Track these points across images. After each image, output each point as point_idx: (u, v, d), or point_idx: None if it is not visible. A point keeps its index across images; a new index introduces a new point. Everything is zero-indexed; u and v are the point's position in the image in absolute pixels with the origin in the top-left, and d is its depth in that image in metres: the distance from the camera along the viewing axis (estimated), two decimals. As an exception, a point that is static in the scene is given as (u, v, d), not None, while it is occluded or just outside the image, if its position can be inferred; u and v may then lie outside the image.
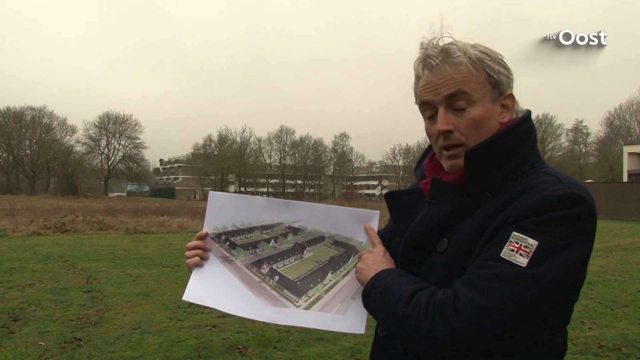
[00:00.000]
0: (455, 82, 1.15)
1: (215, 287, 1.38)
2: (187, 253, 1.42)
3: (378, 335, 1.33)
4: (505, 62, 1.20)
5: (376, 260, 1.27)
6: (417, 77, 1.23)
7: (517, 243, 1.03)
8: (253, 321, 1.37)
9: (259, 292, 1.37)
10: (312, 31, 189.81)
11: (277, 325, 1.39)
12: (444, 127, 1.17)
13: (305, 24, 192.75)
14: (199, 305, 1.39)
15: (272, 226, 1.39)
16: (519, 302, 1.00)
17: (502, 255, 1.03)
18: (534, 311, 1.03)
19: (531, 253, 1.02)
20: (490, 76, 1.16)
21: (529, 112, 1.22)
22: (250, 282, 1.38)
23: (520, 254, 1.02)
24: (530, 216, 1.05)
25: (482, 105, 1.16)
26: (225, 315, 6.30)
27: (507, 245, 1.04)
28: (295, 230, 1.38)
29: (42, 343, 5.23)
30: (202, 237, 1.42)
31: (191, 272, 1.40)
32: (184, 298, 1.37)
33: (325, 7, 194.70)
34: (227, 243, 1.40)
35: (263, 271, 1.38)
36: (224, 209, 1.41)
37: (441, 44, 1.18)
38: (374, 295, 1.20)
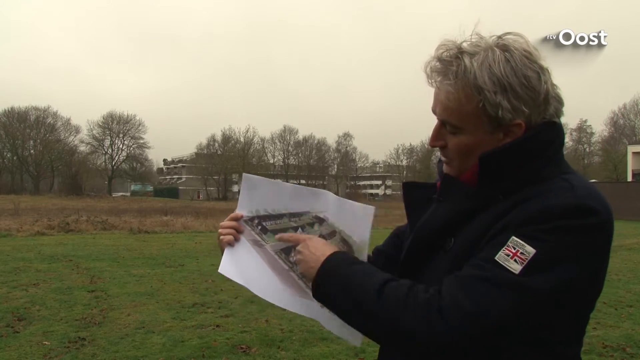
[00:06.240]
0: (444, 110, 1.11)
1: (245, 269, 1.36)
2: (221, 231, 1.40)
3: None
4: (534, 83, 1.06)
5: (318, 244, 1.20)
6: None
7: (514, 248, 0.98)
8: (265, 306, 1.36)
9: (286, 281, 1.34)
10: (317, 24, 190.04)
11: (289, 313, 1.36)
12: (431, 143, 1.19)
13: (310, 17, 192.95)
14: (230, 280, 1.37)
15: (299, 214, 1.36)
16: (502, 311, 0.96)
17: (496, 258, 0.99)
18: (520, 321, 0.98)
19: (526, 261, 0.97)
20: (486, 110, 1.06)
21: (551, 122, 1.12)
22: (278, 269, 1.36)
23: (515, 260, 0.98)
24: (533, 223, 1.00)
25: (472, 134, 1.10)
26: (228, 315, 6.33)
27: (503, 249, 0.99)
28: (320, 221, 1.34)
29: (46, 342, 5.24)
30: (237, 219, 1.40)
31: (222, 249, 1.39)
32: (219, 270, 1.36)
33: (332, 2, 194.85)
34: (259, 227, 1.38)
35: (291, 259, 1.35)
36: (257, 193, 1.39)
37: (464, 45, 1.09)
38: (330, 288, 1.12)
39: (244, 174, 1.42)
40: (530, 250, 0.97)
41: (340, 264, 1.14)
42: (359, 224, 1.25)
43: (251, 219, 1.40)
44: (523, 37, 1.10)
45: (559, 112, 1.13)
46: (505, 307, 0.96)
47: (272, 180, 1.40)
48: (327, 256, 1.15)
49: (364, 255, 1.25)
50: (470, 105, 1.07)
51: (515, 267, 0.97)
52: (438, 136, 1.17)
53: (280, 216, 1.37)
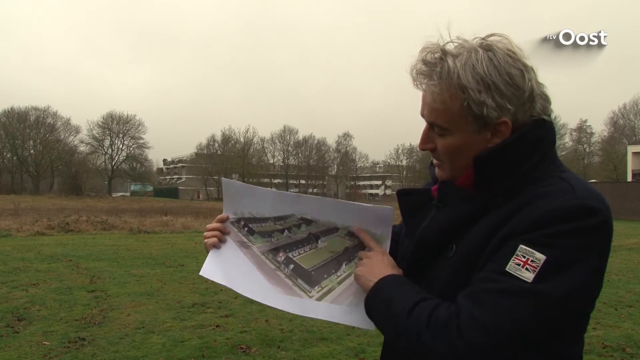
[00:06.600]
0: (431, 112, 1.12)
1: (230, 269, 1.37)
2: (206, 233, 1.41)
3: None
4: (518, 81, 1.06)
5: (374, 264, 1.23)
6: None
7: (524, 257, 0.98)
8: (265, 306, 1.36)
9: (273, 280, 1.35)
10: (317, 25, 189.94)
11: (288, 313, 1.37)
12: (420, 146, 1.20)
13: (311, 18, 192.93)
14: (214, 282, 1.38)
15: (284, 217, 1.36)
16: (521, 320, 0.96)
17: (507, 269, 0.99)
18: (538, 328, 0.99)
19: (538, 268, 0.97)
20: (471, 108, 1.07)
21: (540, 119, 1.12)
22: (265, 269, 1.37)
23: (527, 269, 0.97)
24: (539, 228, 0.99)
25: (459, 135, 1.11)
26: (228, 315, 6.33)
27: (513, 258, 0.99)
28: (308, 222, 1.35)
29: (46, 342, 5.25)
30: (223, 221, 1.41)
31: (208, 252, 1.40)
32: (200, 273, 1.37)
33: (333, 2, 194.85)
34: (246, 229, 1.40)
35: (279, 259, 1.36)
36: (238, 197, 1.40)
37: (448, 47, 1.10)
38: (376, 305, 1.16)
39: (223, 179, 1.43)
40: (541, 257, 0.97)
41: (391, 284, 1.16)
42: (379, 222, 1.31)
43: (237, 221, 1.41)
44: (507, 38, 1.11)
45: (546, 110, 1.13)
46: (523, 316, 0.97)
47: (251, 185, 1.41)
48: (383, 276, 1.18)
49: (387, 243, 1.31)
50: (456, 105, 1.08)
51: (528, 276, 0.97)
52: (427, 139, 1.18)
53: (265, 219, 1.38)
